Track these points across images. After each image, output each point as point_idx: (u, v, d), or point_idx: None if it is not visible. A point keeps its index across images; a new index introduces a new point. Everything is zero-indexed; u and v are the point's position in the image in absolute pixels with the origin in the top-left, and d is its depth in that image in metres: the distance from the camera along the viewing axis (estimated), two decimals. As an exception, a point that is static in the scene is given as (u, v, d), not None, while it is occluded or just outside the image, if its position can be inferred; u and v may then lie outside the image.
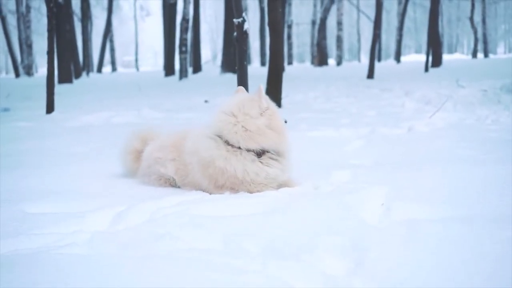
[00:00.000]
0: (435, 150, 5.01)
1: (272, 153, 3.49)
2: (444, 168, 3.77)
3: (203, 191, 3.63)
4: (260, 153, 3.47)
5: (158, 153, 3.94)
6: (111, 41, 40.98)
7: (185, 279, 2.00)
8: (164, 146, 3.95)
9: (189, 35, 24.27)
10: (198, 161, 3.57)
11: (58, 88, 11.98)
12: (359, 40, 51.86)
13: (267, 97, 3.56)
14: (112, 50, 41.95)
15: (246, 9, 29.81)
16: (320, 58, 33.17)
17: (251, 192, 3.45)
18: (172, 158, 3.87)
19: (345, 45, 57.65)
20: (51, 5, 9.58)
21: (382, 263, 2.13)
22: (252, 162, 3.46)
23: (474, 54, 38.42)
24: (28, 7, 28.61)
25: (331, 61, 41.46)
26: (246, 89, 6.12)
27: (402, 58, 40.73)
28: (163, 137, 4.12)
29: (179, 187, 3.85)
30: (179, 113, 9.53)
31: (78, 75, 26.87)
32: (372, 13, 34.49)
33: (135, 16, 53.49)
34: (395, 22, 47.25)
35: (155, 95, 14.48)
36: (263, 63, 35.80)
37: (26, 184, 3.97)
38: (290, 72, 22.86)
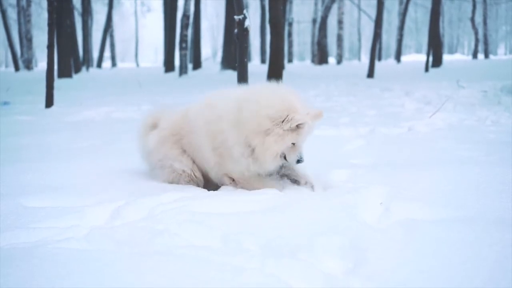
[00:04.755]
0: (435, 150, 5.00)
1: None
2: (444, 169, 3.77)
3: (208, 173, 3.67)
4: None
5: (164, 149, 3.87)
6: (112, 37, 40.93)
7: (183, 276, 1.99)
8: (165, 138, 3.87)
9: (189, 32, 24.26)
10: (211, 130, 3.53)
11: (58, 82, 11.96)
12: (359, 39, 51.85)
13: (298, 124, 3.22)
14: (112, 45, 41.90)
15: (247, 6, 29.76)
16: (321, 57, 33.14)
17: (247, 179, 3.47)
18: (182, 151, 3.83)
19: (346, 44, 57.64)
20: (52, -1, 9.56)
21: (381, 263, 2.13)
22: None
23: (475, 55, 38.44)
24: (28, 1, 28.55)
25: (332, 60, 41.46)
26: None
27: (403, 58, 40.73)
28: (162, 125, 3.98)
29: (190, 180, 3.82)
30: (179, 110, 9.50)
31: (78, 70, 26.84)
32: (373, 12, 34.45)
33: (135, 12, 53.47)
34: (396, 22, 47.30)
35: (155, 91, 14.46)
36: (263, 61, 35.80)
37: (25, 178, 3.96)
38: (290, 70, 22.83)
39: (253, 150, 3.32)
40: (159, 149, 3.90)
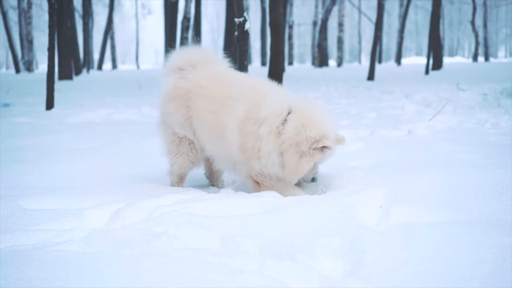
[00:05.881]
0: (435, 153, 5.01)
1: None
2: (443, 172, 3.76)
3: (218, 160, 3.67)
4: None
5: (173, 106, 3.76)
6: (112, 39, 40.96)
7: (182, 279, 1.99)
8: (179, 93, 3.74)
9: (190, 34, 24.27)
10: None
11: (58, 84, 11.98)
12: (360, 42, 51.86)
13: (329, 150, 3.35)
14: (113, 47, 41.93)
15: (247, 9, 29.79)
16: (321, 59, 33.20)
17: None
18: (187, 117, 3.72)
19: (346, 46, 57.69)
20: (53, 1, 9.56)
21: (379, 265, 2.13)
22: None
23: (475, 58, 38.48)
24: (29, 3, 28.59)
25: (332, 62, 41.52)
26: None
27: (403, 61, 40.78)
28: (192, 77, 3.77)
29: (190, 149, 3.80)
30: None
31: (78, 72, 26.84)
32: (373, 15, 34.50)
33: (136, 14, 53.51)
34: (396, 24, 47.33)
35: (156, 93, 14.45)
36: (263, 63, 35.81)
37: (25, 180, 3.96)
38: (290, 72, 22.86)
39: (283, 162, 3.39)
40: (168, 102, 3.80)
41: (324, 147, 3.32)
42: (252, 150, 3.44)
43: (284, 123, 3.37)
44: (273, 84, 3.71)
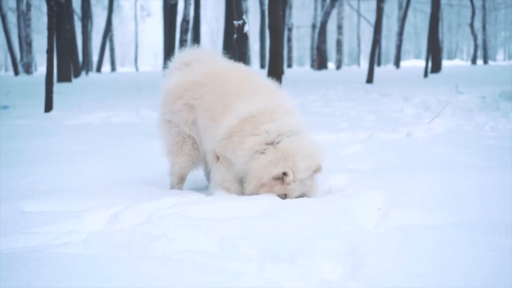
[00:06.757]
0: (434, 156, 5.01)
1: None
2: (442, 174, 3.77)
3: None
4: None
5: (179, 103, 3.70)
6: (111, 41, 40.98)
7: (180, 281, 1.99)
8: (186, 88, 3.70)
9: (189, 36, 24.27)
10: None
11: (57, 86, 11.96)
12: (359, 45, 51.98)
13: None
14: (112, 49, 41.95)
15: (246, 11, 29.81)
16: (320, 62, 33.23)
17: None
18: (192, 112, 3.68)
19: (345, 49, 57.76)
20: (52, 3, 9.57)
21: (378, 268, 2.13)
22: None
23: (474, 61, 38.53)
24: (28, 5, 28.57)
25: (331, 65, 41.57)
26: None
27: (402, 63, 40.82)
28: (195, 69, 3.79)
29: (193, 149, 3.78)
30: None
31: (77, 74, 26.82)
32: (372, 18, 34.57)
33: (135, 16, 53.57)
34: (395, 27, 47.40)
35: (154, 95, 14.45)
36: (262, 66, 35.81)
37: (24, 182, 3.96)
38: (289, 75, 22.87)
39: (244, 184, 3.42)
40: (174, 99, 3.76)
41: (284, 179, 3.24)
42: (233, 140, 3.37)
43: (263, 151, 3.31)
44: (288, 102, 3.62)
